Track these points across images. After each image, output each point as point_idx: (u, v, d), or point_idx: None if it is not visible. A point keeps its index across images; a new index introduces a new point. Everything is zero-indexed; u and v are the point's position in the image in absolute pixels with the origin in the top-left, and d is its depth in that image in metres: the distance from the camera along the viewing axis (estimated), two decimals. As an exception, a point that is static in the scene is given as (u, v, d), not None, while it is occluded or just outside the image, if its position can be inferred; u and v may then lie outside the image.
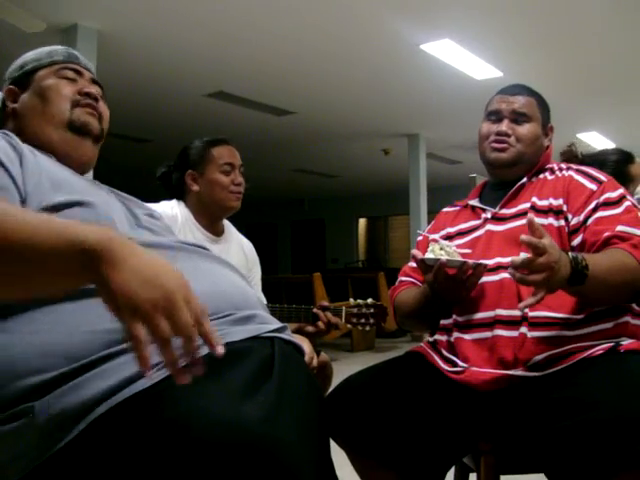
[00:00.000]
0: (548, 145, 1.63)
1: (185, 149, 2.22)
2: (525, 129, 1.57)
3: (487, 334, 1.39)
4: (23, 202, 1.03)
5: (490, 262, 1.44)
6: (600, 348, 1.29)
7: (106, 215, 1.12)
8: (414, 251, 1.46)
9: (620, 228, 1.36)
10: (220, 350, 0.80)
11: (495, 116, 1.60)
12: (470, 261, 1.40)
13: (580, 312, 1.34)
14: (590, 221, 1.40)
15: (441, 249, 1.41)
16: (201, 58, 5.53)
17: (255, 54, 5.44)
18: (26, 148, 1.12)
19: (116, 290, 0.76)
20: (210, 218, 2.15)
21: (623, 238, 1.34)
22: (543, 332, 1.33)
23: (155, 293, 0.77)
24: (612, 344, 1.29)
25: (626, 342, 1.30)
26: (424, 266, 1.43)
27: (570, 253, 1.25)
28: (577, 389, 1.18)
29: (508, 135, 1.56)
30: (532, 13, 4.65)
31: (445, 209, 1.75)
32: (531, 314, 1.35)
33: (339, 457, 1.41)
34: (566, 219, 1.43)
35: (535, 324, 1.35)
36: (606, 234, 1.36)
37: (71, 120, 1.25)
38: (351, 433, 1.38)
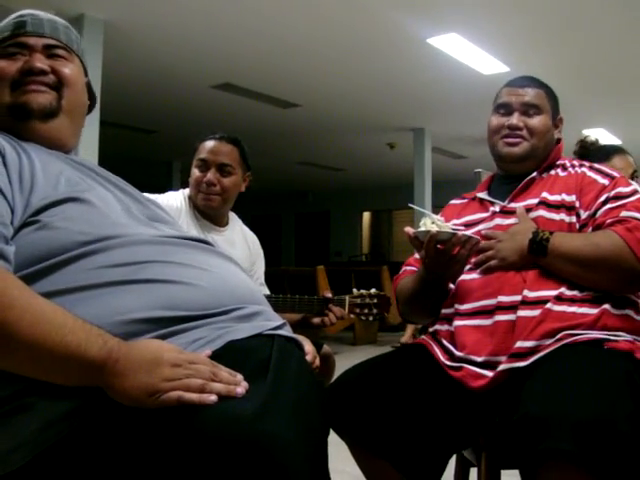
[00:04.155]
0: (559, 138, 1.61)
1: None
2: (536, 121, 1.55)
3: (488, 321, 1.39)
4: (12, 211, 0.98)
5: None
6: (586, 337, 1.28)
7: (101, 209, 1.07)
8: (407, 228, 1.45)
9: (624, 213, 1.37)
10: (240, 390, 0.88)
11: (505, 109, 1.58)
12: (460, 232, 1.39)
13: (581, 290, 1.35)
14: (599, 213, 1.41)
15: (432, 223, 1.41)
16: (207, 49, 5.52)
17: (261, 46, 5.43)
18: (8, 144, 1.06)
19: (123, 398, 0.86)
20: (200, 211, 2.11)
21: (622, 221, 1.35)
22: (539, 311, 1.33)
23: (161, 375, 0.87)
24: (600, 337, 1.28)
25: (617, 340, 1.28)
26: (417, 242, 1.43)
27: (536, 229, 1.40)
28: (532, 383, 1.19)
29: (520, 128, 1.55)
30: (540, 8, 4.62)
31: (453, 201, 1.74)
32: (530, 295, 1.35)
33: (341, 449, 1.42)
34: (578, 215, 1.44)
35: (533, 303, 1.34)
36: (609, 220, 1.38)
37: (9, 106, 1.13)
38: (350, 424, 1.39)
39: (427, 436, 1.36)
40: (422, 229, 1.40)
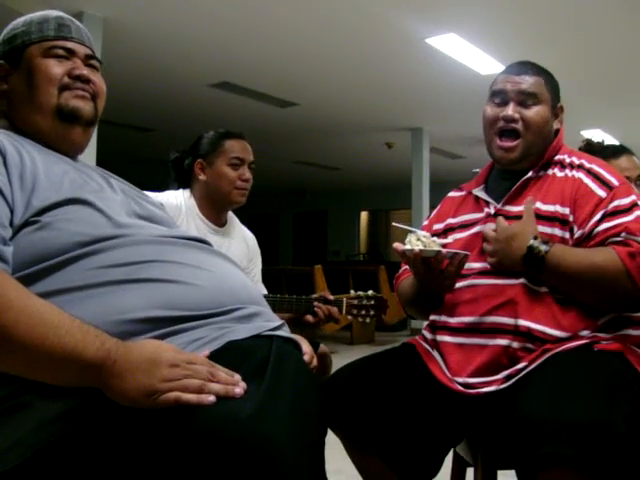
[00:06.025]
0: (558, 128, 1.52)
1: (199, 138, 2.22)
2: (534, 112, 1.45)
3: (473, 340, 1.38)
4: (12, 212, 0.99)
5: (480, 265, 1.43)
6: (575, 344, 1.27)
7: (102, 210, 1.08)
8: (395, 244, 1.43)
9: (625, 235, 1.30)
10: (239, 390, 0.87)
11: (500, 98, 1.48)
12: (444, 250, 1.37)
13: (576, 329, 1.31)
14: (595, 233, 1.34)
15: (418, 240, 1.40)
16: (206, 48, 5.52)
17: (259, 45, 5.42)
18: (10, 144, 1.06)
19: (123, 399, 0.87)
20: (214, 209, 2.16)
21: (625, 243, 1.29)
22: (531, 345, 1.32)
23: (158, 376, 0.87)
24: (588, 341, 1.28)
25: (604, 342, 1.28)
26: (407, 258, 1.42)
27: (534, 241, 1.33)
28: (528, 387, 1.20)
29: (515, 120, 1.45)
30: (539, 8, 4.62)
31: (451, 194, 1.68)
32: (523, 324, 1.32)
33: (338, 448, 1.42)
34: (571, 230, 1.37)
35: (524, 335, 1.32)
36: (611, 236, 1.31)
37: (59, 106, 1.16)
38: (344, 420, 1.39)
39: (420, 434, 1.36)
40: (408, 247, 1.39)
